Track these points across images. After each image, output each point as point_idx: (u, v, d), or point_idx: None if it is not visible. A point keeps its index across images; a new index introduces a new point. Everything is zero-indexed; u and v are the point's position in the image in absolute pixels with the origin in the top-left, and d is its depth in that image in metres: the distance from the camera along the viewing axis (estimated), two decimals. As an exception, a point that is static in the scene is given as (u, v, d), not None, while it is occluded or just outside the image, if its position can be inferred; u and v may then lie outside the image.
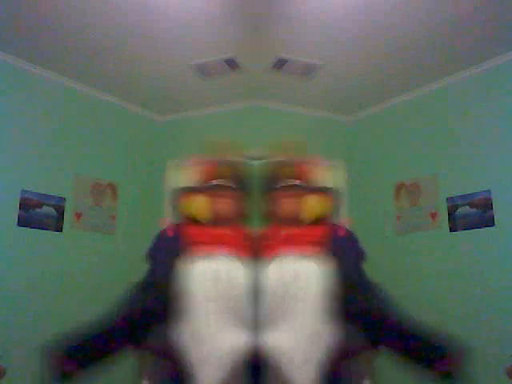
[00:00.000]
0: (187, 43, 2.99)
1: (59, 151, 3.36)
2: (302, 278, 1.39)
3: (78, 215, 3.38)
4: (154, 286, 1.45)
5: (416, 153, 3.54)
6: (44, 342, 1.36)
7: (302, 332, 1.36)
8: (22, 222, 3.07)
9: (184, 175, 1.64)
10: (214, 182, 1.54)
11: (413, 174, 3.52)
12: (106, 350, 1.43)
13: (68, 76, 3.41)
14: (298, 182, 1.54)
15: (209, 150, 1.65)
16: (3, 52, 3.07)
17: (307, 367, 1.33)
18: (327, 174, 1.62)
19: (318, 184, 1.59)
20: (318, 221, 1.54)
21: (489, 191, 3.05)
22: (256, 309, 1.39)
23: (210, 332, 1.36)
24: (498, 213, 2.99)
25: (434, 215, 3.33)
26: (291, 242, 1.47)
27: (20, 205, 3.07)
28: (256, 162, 2.11)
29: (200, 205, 1.52)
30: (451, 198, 3.24)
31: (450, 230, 3.21)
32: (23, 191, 3.10)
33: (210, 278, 1.38)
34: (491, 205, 3.02)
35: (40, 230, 3.15)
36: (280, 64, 3.23)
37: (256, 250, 1.49)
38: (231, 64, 3.22)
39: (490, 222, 3.02)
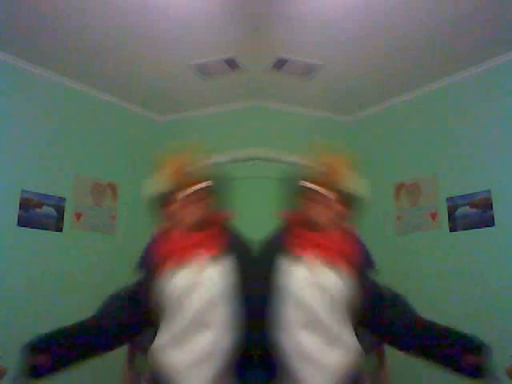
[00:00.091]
0: (187, 43, 2.99)
1: (59, 151, 3.35)
2: (326, 285, 1.48)
3: (78, 215, 3.38)
4: (134, 300, 1.57)
5: (416, 153, 3.53)
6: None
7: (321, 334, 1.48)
8: (22, 222, 3.07)
9: (159, 182, 1.68)
10: (188, 189, 1.59)
11: (413, 174, 3.52)
12: (82, 348, 1.51)
13: (68, 76, 3.40)
14: (321, 188, 1.58)
15: (180, 156, 1.69)
16: (3, 52, 3.07)
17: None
18: (351, 181, 1.65)
19: (342, 190, 1.63)
20: (336, 227, 1.60)
21: (489, 191, 3.05)
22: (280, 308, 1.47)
23: (190, 335, 1.42)
24: (498, 213, 2.99)
25: (434, 215, 3.33)
26: (321, 248, 1.54)
27: (20, 205, 3.07)
28: (245, 164, 2.13)
29: (178, 214, 1.61)
30: (451, 198, 3.24)
31: (450, 230, 3.21)
32: (23, 191, 3.10)
33: (189, 284, 1.46)
34: (491, 205, 3.02)
35: (40, 230, 3.14)
36: (280, 64, 3.23)
37: (277, 245, 1.59)
38: (231, 64, 3.22)
39: (489, 222, 3.02)
